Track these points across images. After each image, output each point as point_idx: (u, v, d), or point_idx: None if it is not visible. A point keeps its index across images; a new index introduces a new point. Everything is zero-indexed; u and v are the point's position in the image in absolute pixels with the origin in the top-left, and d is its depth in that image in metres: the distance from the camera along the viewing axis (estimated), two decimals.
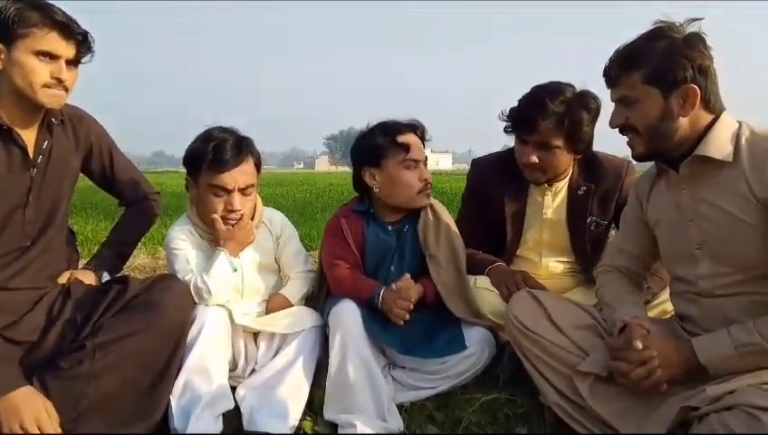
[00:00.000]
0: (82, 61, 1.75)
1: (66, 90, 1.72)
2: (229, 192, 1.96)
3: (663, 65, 1.49)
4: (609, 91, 1.64)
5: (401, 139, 2.07)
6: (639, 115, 1.55)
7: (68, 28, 1.67)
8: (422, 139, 2.14)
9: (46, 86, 1.67)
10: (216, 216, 1.97)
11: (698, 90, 1.48)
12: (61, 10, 1.67)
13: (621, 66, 1.55)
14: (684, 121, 1.51)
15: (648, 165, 1.78)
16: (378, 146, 2.09)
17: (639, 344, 1.48)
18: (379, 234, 2.15)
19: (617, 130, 1.64)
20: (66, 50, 1.68)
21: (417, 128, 2.13)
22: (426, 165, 2.13)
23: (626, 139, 1.64)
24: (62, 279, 1.88)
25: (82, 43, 1.71)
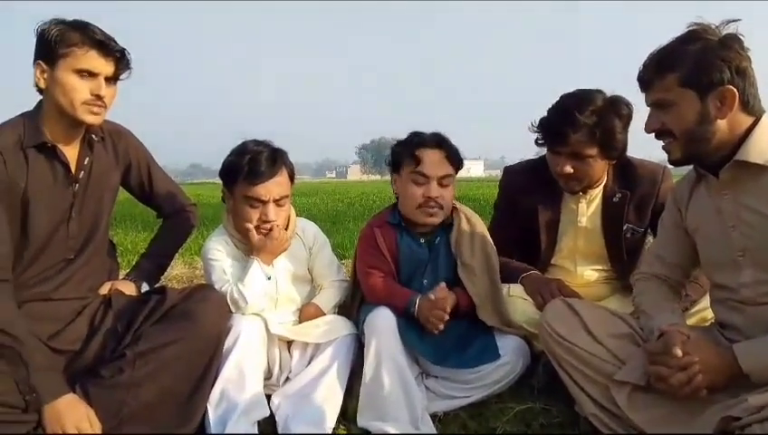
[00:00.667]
0: (120, 77, 1.81)
1: (105, 106, 1.78)
2: (264, 203, 2.00)
3: (699, 67, 1.46)
4: (642, 95, 1.61)
5: (417, 151, 2.06)
6: (676, 119, 1.51)
7: (106, 47, 1.73)
8: (449, 156, 2.09)
9: (86, 103, 1.73)
10: (249, 225, 2.00)
11: (736, 91, 1.45)
12: (99, 29, 1.73)
13: (656, 69, 1.52)
14: (722, 124, 1.48)
15: (685, 170, 1.74)
16: (398, 154, 2.13)
17: (679, 352, 1.44)
18: (411, 246, 2.15)
19: (652, 135, 1.61)
20: (105, 67, 1.74)
21: (441, 144, 2.09)
22: (443, 184, 2.07)
23: (661, 144, 1.61)
24: (104, 290, 1.94)
25: (120, 60, 1.77)
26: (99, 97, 1.73)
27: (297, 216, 2.24)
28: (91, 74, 1.72)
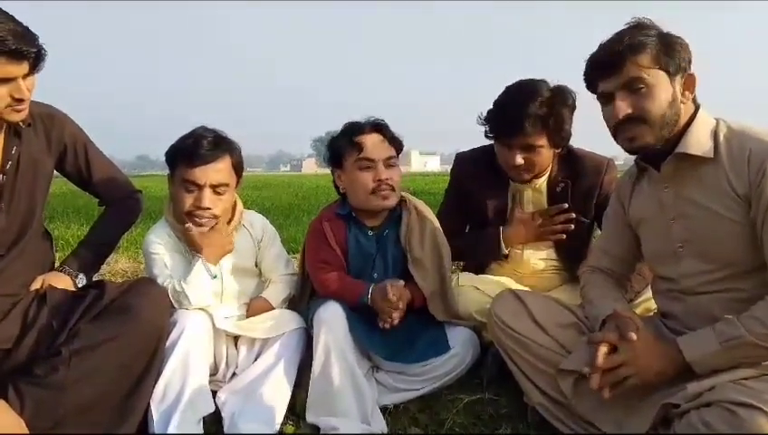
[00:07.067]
0: (38, 69, 1.69)
1: (28, 99, 1.68)
2: (200, 188, 1.93)
3: (666, 49, 1.46)
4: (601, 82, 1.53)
5: (357, 138, 2.05)
6: (652, 101, 1.46)
7: (19, 53, 1.59)
8: (389, 139, 2.09)
9: (8, 106, 1.63)
10: (189, 225, 1.94)
11: (696, 77, 1.47)
12: (11, 33, 1.56)
13: (628, 48, 1.46)
14: (683, 109, 1.49)
15: (627, 165, 1.76)
16: (338, 147, 2.10)
17: (634, 336, 1.45)
18: (359, 239, 2.12)
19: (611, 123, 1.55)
20: (20, 70, 1.61)
21: (379, 127, 2.09)
22: (389, 165, 2.07)
23: (621, 132, 1.53)
24: (36, 284, 1.83)
25: (36, 58, 1.65)
26: (20, 99, 1.64)
27: (249, 209, 2.19)
28: (7, 80, 1.60)
